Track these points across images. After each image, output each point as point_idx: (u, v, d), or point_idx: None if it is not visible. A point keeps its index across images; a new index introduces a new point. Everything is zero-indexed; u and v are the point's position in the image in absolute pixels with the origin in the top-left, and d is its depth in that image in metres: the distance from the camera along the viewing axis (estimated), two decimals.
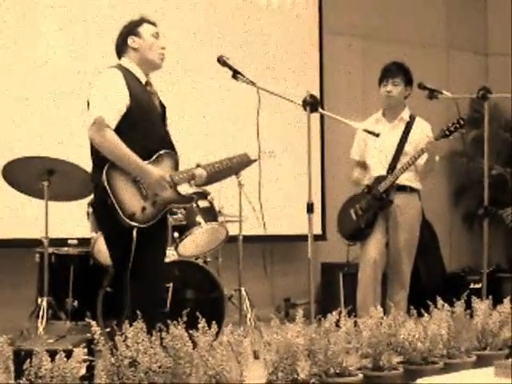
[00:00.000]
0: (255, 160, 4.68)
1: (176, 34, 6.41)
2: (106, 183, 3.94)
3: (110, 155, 3.97)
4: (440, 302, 3.87)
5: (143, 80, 4.18)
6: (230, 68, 4.22)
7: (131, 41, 4.17)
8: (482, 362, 3.75)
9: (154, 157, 4.11)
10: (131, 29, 4.20)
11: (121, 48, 4.21)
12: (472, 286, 7.19)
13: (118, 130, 3.98)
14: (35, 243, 5.25)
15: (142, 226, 3.97)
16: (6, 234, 5.93)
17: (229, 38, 6.84)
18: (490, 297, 4.22)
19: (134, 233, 3.93)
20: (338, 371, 3.31)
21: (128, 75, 4.10)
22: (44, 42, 6.19)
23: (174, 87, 6.30)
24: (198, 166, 4.28)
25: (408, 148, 5.35)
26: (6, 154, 5.26)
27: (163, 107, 4.30)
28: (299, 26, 7.49)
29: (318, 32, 7.63)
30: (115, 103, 4.00)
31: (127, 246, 3.94)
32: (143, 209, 4.00)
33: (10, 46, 6.04)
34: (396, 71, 5.39)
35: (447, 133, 5.17)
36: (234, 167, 4.90)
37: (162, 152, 4.14)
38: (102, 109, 3.97)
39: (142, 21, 4.23)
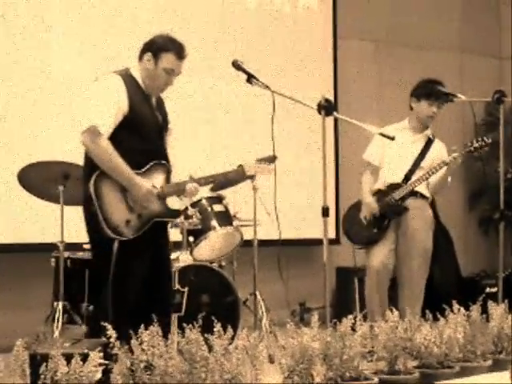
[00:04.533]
0: (251, 176, 4.57)
1: (191, 39, 6.40)
2: (92, 191, 3.89)
3: (101, 163, 3.92)
4: (456, 306, 3.87)
5: (146, 91, 4.11)
6: (245, 72, 4.22)
7: (147, 58, 4.08)
8: (497, 366, 3.75)
9: (146, 167, 4.04)
10: (157, 47, 4.07)
11: (140, 55, 4.13)
12: (488, 290, 7.13)
13: (113, 138, 3.93)
14: (51, 248, 5.27)
15: (123, 238, 3.91)
16: (22, 238, 5.94)
17: (243, 42, 6.84)
18: (506, 301, 4.20)
19: (116, 244, 3.88)
20: (353, 375, 3.32)
21: (132, 83, 4.04)
22: (57, 49, 6.17)
23: (189, 91, 6.31)
24: (190, 178, 4.18)
25: (424, 164, 5.36)
26: (23, 158, 5.28)
27: (165, 120, 4.22)
28: (313, 30, 7.48)
29: (332, 36, 7.63)
30: (112, 111, 3.93)
31: (108, 256, 3.88)
32: (127, 222, 3.95)
33: (23, 52, 6.04)
34: (442, 94, 5.29)
35: (472, 149, 5.18)
36: (228, 181, 4.85)
37: (154, 163, 4.06)
38: (98, 116, 3.92)
39: (172, 48, 4.06)
